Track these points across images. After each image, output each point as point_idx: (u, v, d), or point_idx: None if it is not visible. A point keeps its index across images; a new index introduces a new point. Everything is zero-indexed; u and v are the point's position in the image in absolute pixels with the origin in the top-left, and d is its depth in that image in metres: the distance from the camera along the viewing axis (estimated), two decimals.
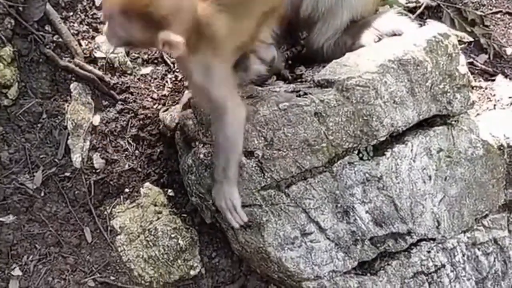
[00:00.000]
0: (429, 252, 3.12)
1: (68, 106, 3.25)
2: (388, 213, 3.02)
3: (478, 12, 3.99)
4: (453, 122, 3.13)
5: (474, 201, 3.18)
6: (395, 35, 3.13)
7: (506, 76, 3.79)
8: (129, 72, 3.41)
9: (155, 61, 3.48)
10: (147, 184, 3.27)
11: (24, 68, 3.24)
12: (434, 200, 3.09)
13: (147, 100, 3.38)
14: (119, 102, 3.34)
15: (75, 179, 3.20)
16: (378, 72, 2.95)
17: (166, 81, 3.45)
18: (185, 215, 3.24)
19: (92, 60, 3.36)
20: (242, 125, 2.85)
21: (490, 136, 3.22)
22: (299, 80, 3.20)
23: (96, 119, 3.29)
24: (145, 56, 3.47)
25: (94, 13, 3.44)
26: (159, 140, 3.33)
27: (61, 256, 3.12)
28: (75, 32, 3.37)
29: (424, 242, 3.12)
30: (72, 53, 3.32)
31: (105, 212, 3.20)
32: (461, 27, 3.90)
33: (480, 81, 3.73)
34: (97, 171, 3.24)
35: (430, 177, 3.07)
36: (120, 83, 3.36)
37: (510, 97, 3.48)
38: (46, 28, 3.32)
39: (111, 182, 3.24)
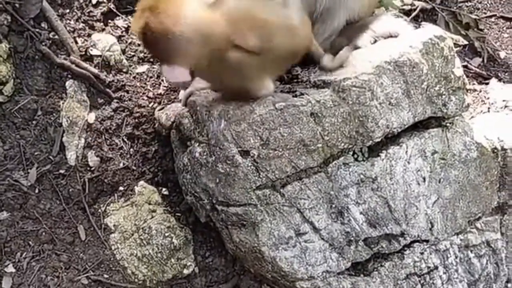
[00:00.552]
0: (422, 253, 3.13)
1: (63, 103, 3.24)
2: (382, 214, 3.03)
3: (473, 16, 4.00)
4: (447, 124, 3.15)
5: (468, 204, 3.19)
6: (391, 37, 3.14)
7: (499, 80, 3.80)
8: (124, 70, 3.40)
9: (151, 59, 3.47)
10: (141, 182, 3.27)
11: (20, 65, 3.23)
12: (428, 202, 3.10)
13: (143, 99, 3.38)
14: (115, 100, 3.34)
15: (69, 176, 3.20)
16: (374, 73, 2.95)
17: (162, 80, 3.45)
18: (179, 214, 3.24)
19: (88, 58, 3.35)
20: None
21: (484, 139, 3.24)
22: (295, 80, 3.20)
23: (91, 117, 3.28)
24: (141, 55, 3.46)
25: (91, 11, 3.44)
26: (154, 139, 3.33)
27: (54, 254, 3.12)
28: (71, 29, 3.36)
29: (417, 243, 3.13)
30: (68, 50, 3.32)
31: (99, 210, 3.20)
32: (456, 30, 3.92)
33: (474, 84, 3.75)
34: (92, 169, 3.23)
35: (424, 179, 3.09)
36: (116, 81, 3.36)
37: (504, 100, 3.50)
38: (42, 25, 3.31)
39: (106, 180, 3.24)
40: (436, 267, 3.15)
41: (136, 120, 3.33)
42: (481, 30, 3.99)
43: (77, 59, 3.31)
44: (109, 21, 3.48)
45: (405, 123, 3.03)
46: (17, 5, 3.26)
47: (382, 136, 3.01)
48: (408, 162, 3.05)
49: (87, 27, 3.41)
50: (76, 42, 3.35)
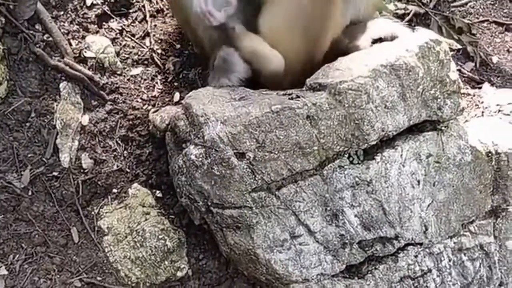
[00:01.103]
0: (416, 256, 3.13)
1: (57, 105, 3.23)
2: (376, 217, 3.04)
3: (465, 21, 4.02)
4: (442, 128, 3.16)
5: (462, 207, 3.20)
6: (391, 38, 3.16)
7: (492, 84, 3.82)
8: (119, 72, 3.40)
9: (145, 62, 3.47)
10: (135, 185, 3.26)
11: (14, 67, 3.22)
12: (422, 205, 3.11)
13: (137, 101, 3.37)
14: (109, 102, 3.33)
15: (63, 178, 3.18)
16: (370, 76, 2.96)
17: (156, 82, 3.45)
18: (173, 216, 3.23)
19: (82, 60, 3.34)
20: None
21: (479, 143, 3.24)
22: None
23: (85, 119, 3.27)
24: (135, 57, 3.46)
25: (85, 13, 3.43)
26: (148, 141, 3.33)
27: (47, 256, 3.10)
28: (66, 31, 3.36)
29: (411, 246, 3.14)
30: (62, 52, 3.31)
31: (93, 213, 3.19)
32: (449, 35, 3.94)
33: (467, 88, 3.77)
34: (85, 171, 3.22)
35: (418, 182, 3.09)
36: (110, 83, 3.36)
37: (497, 105, 3.52)
38: (37, 27, 3.30)
39: (99, 182, 3.23)
40: (429, 270, 3.16)
41: (130, 122, 3.33)
42: (474, 34, 4.01)
43: (71, 61, 3.30)
44: (103, 23, 3.48)
45: (400, 127, 3.04)
46: (11, 6, 3.25)
47: (378, 139, 3.01)
48: (403, 165, 3.06)
49: (81, 29, 3.40)
50: (70, 44, 3.34)
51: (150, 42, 3.52)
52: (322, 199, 2.98)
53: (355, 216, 3.02)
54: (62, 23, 3.37)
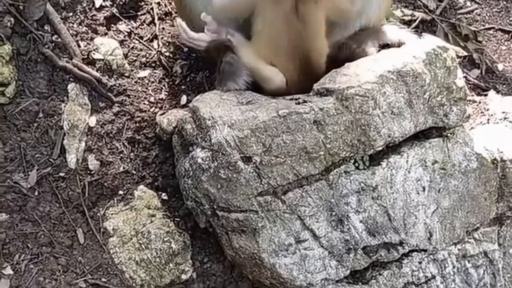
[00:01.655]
0: (420, 263, 3.14)
1: (64, 106, 3.24)
2: (381, 223, 3.04)
3: (472, 28, 4.03)
4: (448, 135, 3.16)
5: (466, 214, 3.21)
6: (398, 44, 3.17)
7: (497, 92, 3.83)
8: (126, 74, 3.41)
9: (153, 64, 3.48)
10: (141, 187, 3.27)
11: (22, 67, 3.23)
12: (427, 212, 3.11)
13: (144, 103, 3.38)
14: (116, 104, 3.34)
15: (69, 179, 3.19)
16: (377, 82, 2.97)
17: (164, 85, 3.46)
18: (178, 219, 3.24)
19: (90, 62, 3.35)
20: None
21: (484, 150, 3.25)
22: None
23: (93, 121, 3.28)
24: (143, 59, 3.47)
25: (94, 15, 3.44)
26: (155, 144, 3.34)
27: (53, 257, 3.11)
28: (74, 32, 3.36)
29: (415, 253, 3.14)
30: (71, 53, 3.32)
31: (98, 214, 3.20)
32: (455, 42, 3.94)
33: (473, 95, 3.77)
34: (92, 172, 3.23)
35: (424, 188, 3.10)
36: (118, 85, 3.37)
37: (503, 112, 3.52)
38: (46, 27, 3.31)
39: (106, 184, 3.24)
40: (433, 277, 3.16)
41: (137, 125, 3.34)
42: (480, 42, 4.01)
43: (79, 62, 3.31)
44: (112, 25, 3.49)
45: (406, 133, 3.05)
46: (20, 7, 3.25)
47: (384, 145, 3.02)
48: (409, 172, 3.07)
49: (90, 31, 3.41)
50: (79, 46, 3.35)
51: (158, 45, 3.53)
52: (327, 204, 2.98)
53: (360, 221, 3.02)
54: (71, 25, 3.38)
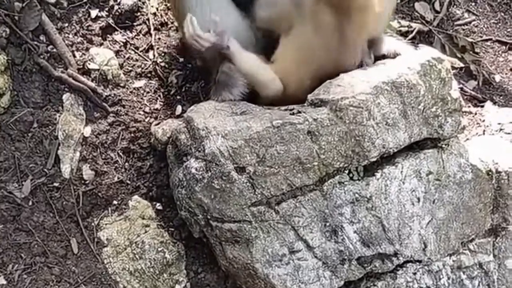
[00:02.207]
0: (415, 274, 3.13)
1: (59, 116, 3.25)
2: (376, 234, 3.04)
3: (469, 39, 4.03)
4: (443, 146, 3.16)
5: (461, 225, 3.20)
6: (394, 55, 3.17)
7: (494, 103, 3.83)
8: (122, 84, 3.41)
9: (148, 74, 3.49)
10: (135, 197, 3.27)
11: (17, 77, 3.24)
12: (421, 222, 3.11)
13: (139, 113, 3.38)
14: (111, 114, 3.34)
15: (63, 189, 3.19)
16: (371, 93, 2.97)
17: (159, 95, 3.46)
18: (172, 229, 3.24)
19: (86, 72, 3.36)
20: None
21: (479, 161, 3.24)
22: None
23: (87, 131, 3.28)
24: (139, 70, 3.48)
25: (89, 25, 3.45)
26: (150, 154, 3.33)
27: (46, 266, 3.10)
28: (70, 43, 3.37)
29: (410, 263, 3.13)
30: (66, 64, 3.32)
31: (93, 224, 3.20)
32: (452, 53, 3.94)
33: (469, 106, 3.77)
34: (86, 182, 3.23)
35: (418, 199, 3.09)
36: (113, 95, 3.37)
37: (499, 123, 3.52)
38: (41, 38, 3.32)
39: (100, 194, 3.23)
40: None
41: (132, 135, 3.34)
42: (477, 53, 4.02)
43: (75, 72, 3.31)
44: (108, 35, 3.50)
45: (401, 144, 3.05)
46: (16, 17, 3.26)
47: (378, 156, 3.02)
48: (403, 182, 3.06)
49: (85, 41, 3.42)
50: (74, 56, 3.36)
51: (154, 55, 3.53)
52: (321, 215, 2.98)
53: (355, 232, 3.02)
54: (66, 35, 3.39)
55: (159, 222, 3.23)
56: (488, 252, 3.29)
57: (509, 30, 4.20)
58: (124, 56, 3.48)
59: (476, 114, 3.68)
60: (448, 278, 3.20)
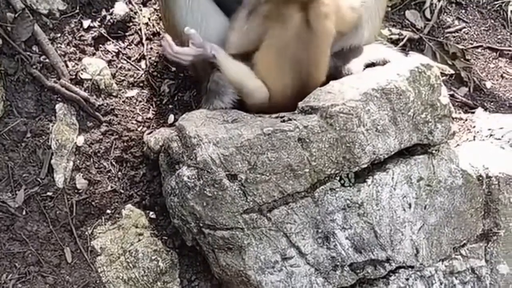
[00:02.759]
0: (407, 279, 3.13)
1: (52, 126, 3.26)
2: (368, 240, 3.05)
3: (460, 46, 4.06)
4: (433, 152, 3.17)
5: (453, 230, 3.21)
6: (383, 63, 3.19)
7: (485, 109, 3.84)
8: (114, 94, 3.43)
9: (141, 84, 3.51)
10: (129, 205, 3.28)
11: (10, 87, 3.26)
12: (413, 228, 3.12)
13: (132, 123, 3.40)
14: (104, 124, 3.36)
15: (57, 199, 3.20)
16: (361, 100, 2.98)
17: (151, 104, 3.48)
18: (166, 237, 3.24)
19: (78, 82, 3.38)
20: None
21: (470, 167, 3.25)
22: None
23: (80, 140, 3.30)
24: (131, 79, 3.49)
25: (82, 35, 3.47)
26: (143, 163, 3.35)
27: (40, 276, 3.11)
28: (62, 53, 3.39)
29: (402, 269, 3.14)
30: (59, 74, 3.34)
31: (86, 233, 3.20)
32: (443, 60, 3.96)
33: (460, 113, 3.79)
34: (80, 191, 3.25)
35: (410, 205, 3.11)
36: (105, 105, 3.39)
37: (489, 129, 3.53)
38: (34, 48, 3.34)
39: (93, 203, 3.25)
40: None
41: (125, 144, 3.35)
42: (468, 60, 4.04)
43: (67, 82, 3.34)
44: (100, 45, 3.52)
45: (391, 150, 3.06)
46: (8, 28, 3.28)
47: (369, 162, 3.03)
48: (394, 189, 3.07)
49: (78, 51, 3.44)
50: (67, 66, 3.38)
51: (146, 65, 3.55)
52: (313, 221, 2.99)
53: (346, 238, 3.03)
54: (59, 45, 3.41)
55: (153, 230, 3.24)
56: (480, 257, 3.30)
57: (499, 36, 4.22)
58: (117, 66, 3.50)
59: (466, 120, 3.69)
60: (441, 284, 3.20)
